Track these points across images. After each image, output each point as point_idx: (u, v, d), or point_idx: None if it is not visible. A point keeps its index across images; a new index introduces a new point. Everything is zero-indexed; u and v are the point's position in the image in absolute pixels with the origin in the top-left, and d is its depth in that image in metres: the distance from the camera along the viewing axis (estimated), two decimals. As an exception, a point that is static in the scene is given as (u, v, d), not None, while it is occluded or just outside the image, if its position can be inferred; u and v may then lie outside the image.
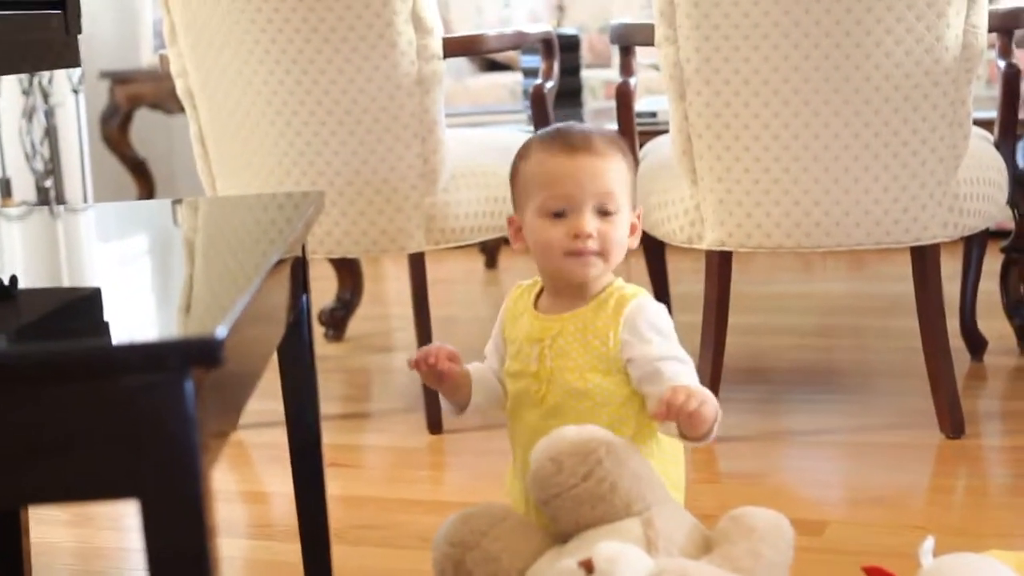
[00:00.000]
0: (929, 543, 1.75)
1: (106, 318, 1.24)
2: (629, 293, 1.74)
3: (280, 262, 1.50)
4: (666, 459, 1.75)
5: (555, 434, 1.65)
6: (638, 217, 1.78)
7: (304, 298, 1.76)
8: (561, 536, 1.67)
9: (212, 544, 1.05)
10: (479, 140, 2.95)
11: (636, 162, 1.86)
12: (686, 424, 1.62)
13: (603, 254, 1.71)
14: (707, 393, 1.63)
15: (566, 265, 1.72)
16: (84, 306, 1.29)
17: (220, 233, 1.69)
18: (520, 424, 1.78)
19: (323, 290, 3.83)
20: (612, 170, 1.72)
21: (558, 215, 1.71)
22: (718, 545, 1.60)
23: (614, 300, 1.72)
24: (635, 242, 1.78)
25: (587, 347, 1.72)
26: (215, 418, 1.13)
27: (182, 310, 1.24)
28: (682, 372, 1.70)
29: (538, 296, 1.79)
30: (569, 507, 1.62)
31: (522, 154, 1.79)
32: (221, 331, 1.02)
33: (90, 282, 1.50)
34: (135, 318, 1.21)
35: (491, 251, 4.48)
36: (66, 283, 1.48)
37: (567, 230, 1.70)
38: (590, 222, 1.69)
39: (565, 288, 1.76)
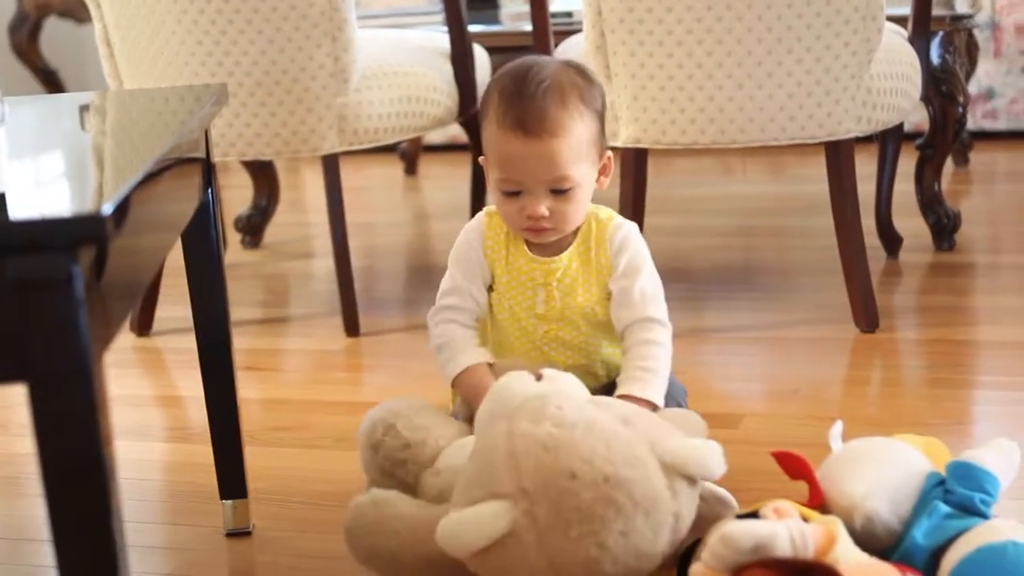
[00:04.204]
0: (837, 427, 1.77)
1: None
2: (604, 216, 1.85)
3: (181, 153, 1.47)
4: None
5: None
6: (608, 159, 1.85)
7: (209, 192, 1.73)
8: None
9: (104, 426, 1.03)
10: (392, 40, 2.90)
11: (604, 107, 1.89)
12: None
13: (556, 229, 1.79)
14: None
15: (524, 235, 1.82)
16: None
17: (118, 125, 1.65)
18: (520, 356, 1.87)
19: (240, 199, 3.78)
20: (568, 148, 1.76)
21: (514, 193, 1.77)
22: None
23: (595, 224, 1.83)
24: (606, 183, 1.87)
25: (595, 274, 1.83)
26: (106, 303, 1.11)
27: (69, 196, 1.20)
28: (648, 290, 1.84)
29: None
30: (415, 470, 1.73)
31: (486, 102, 1.82)
32: (107, 208, 1.00)
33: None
34: (21, 206, 1.18)
35: (410, 158, 4.44)
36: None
37: (521, 208, 1.77)
38: (542, 205, 1.76)
39: None
